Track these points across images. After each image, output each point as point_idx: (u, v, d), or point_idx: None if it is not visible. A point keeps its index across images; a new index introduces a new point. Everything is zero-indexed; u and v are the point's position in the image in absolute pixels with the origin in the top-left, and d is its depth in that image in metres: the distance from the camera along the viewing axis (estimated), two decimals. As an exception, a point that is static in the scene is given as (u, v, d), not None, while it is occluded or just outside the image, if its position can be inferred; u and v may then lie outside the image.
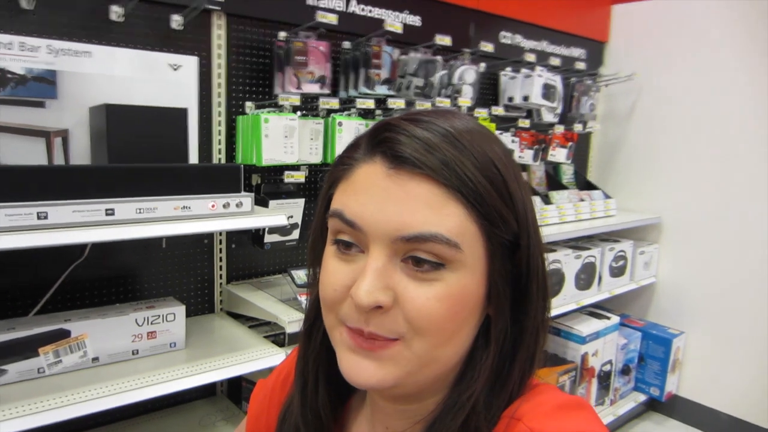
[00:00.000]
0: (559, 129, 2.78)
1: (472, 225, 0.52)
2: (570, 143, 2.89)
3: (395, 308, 0.52)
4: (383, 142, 0.54)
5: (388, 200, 0.52)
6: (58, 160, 1.55)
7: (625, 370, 2.97)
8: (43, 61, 1.49)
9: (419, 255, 0.52)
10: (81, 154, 1.58)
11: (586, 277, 2.67)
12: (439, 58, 2.21)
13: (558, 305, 2.52)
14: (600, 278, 2.76)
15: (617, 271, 2.87)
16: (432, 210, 0.51)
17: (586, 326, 2.67)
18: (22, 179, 1.19)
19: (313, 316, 0.65)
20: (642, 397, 3.06)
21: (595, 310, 2.89)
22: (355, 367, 0.54)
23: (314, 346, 0.65)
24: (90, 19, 1.57)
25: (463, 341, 0.56)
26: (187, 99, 1.74)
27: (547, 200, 2.67)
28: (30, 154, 1.51)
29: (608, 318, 2.81)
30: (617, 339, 2.84)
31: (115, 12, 1.58)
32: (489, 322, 0.57)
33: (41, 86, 1.50)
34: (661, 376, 2.99)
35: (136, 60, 1.64)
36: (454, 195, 0.51)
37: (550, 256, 2.40)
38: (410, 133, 0.53)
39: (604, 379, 2.81)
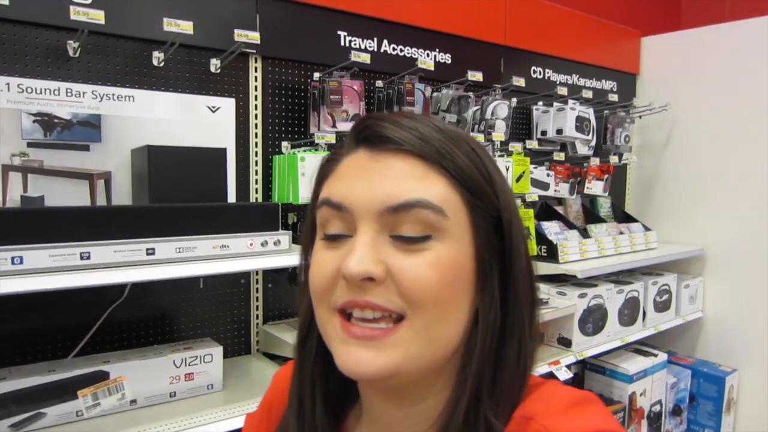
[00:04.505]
0: (595, 161, 2.74)
1: (455, 195, 0.54)
2: (606, 176, 2.84)
3: (389, 282, 0.52)
4: (364, 129, 0.56)
5: (372, 177, 0.53)
6: (101, 201, 1.57)
7: (675, 411, 2.82)
8: (88, 106, 1.54)
9: (405, 233, 0.52)
10: (122, 195, 1.60)
11: (630, 312, 2.57)
12: (471, 94, 2.22)
13: (602, 342, 2.42)
14: (644, 314, 2.65)
15: (662, 306, 2.76)
16: (416, 180, 0.53)
17: (633, 364, 2.56)
18: (65, 220, 1.21)
19: (307, 326, 0.64)
20: (696, 440, 2.89)
21: (640, 347, 2.76)
22: (352, 357, 0.53)
23: (309, 358, 0.63)
24: (133, 64, 1.62)
25: (459, 320, 0.55)
26: (225, 140, 1.77)
27: (585, 234, 2.61)
28: (74, 196, 1.54)
29: (655, 355, 2.69)
30: (666, 377, 2.71)
31: (157, 57, 1.63)
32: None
33: (86, 130, 1.54)
34: (715, 417, 2.82)
35: (177, 103, 1.67)
36: (435, 168, 0.53)
37: (591, 291, 2.36)
38: (390, 120, 0.56)
39: (655, 420, 2.67)
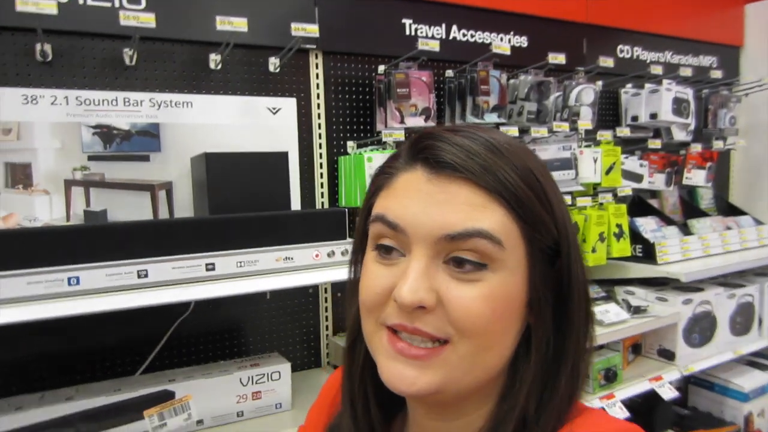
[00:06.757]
0: (696, 148, 2.44)
1: (513, 226, 0.52)
2: (709, 163, 2.53)
3: (439, 309, 0.52)
4: (424, 149, 0.54)
5: (430, 202, 0.52)
6: (163, 212, 1.52)
7: (799, 430, 2.47)
8: (147, 114, 1.48)
9: (462, 255, 0.51)
10: (184, 205, 1.54)
11: (743, 320, 2.26)
12: (551, 79, 2.01)
13: (711, 354, 2.14)
14: (761, 321, 2.33)
15: (781, 311, 2.42)
16: (475, 209, 0.51)
17: (748, 380, 2.25)
18: (121, 236, 1.15)
19: (356, 329, 0.63)
20: (824, 464, 2.53)
21: (756, 360, 2.43)
22: (397, 373, 0.54)
23: (359, 361, 0.64)
24: (190, 69, 1.55)
25: (506, 347, 0.55)
26: (287, 142, 1.67)
27: (686, 230, 2.33)
28: (136, 208, 1.49)
29: (774, 368, 2.37)
30: (788, 393, 2.38)
31: (214, 60, 1.56)
32: (530, 332, 0.56)
33: (145, 140, 1.49)
34: None
35: (235, 106, 1.59)
36: (495, 198, 0.52)
37: (697, 296, 2.08)
38: (450, 141, 0.53)
39: (775, 442, 2.35)
